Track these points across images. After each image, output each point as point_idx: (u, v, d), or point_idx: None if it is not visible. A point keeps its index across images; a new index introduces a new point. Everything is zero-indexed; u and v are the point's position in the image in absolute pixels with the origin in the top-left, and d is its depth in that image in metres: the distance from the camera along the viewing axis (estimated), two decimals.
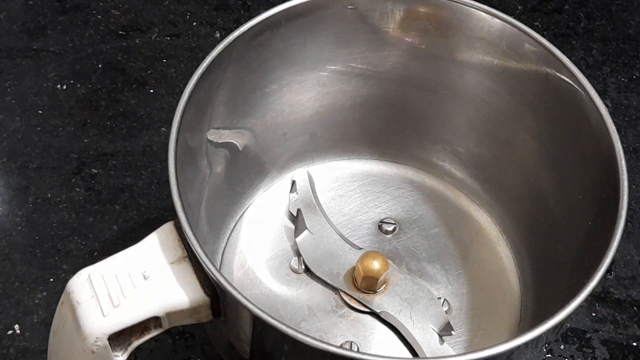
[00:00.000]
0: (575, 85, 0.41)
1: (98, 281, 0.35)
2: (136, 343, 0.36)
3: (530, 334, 0.32)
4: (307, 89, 0.48)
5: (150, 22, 0.64)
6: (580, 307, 0.33)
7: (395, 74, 0.48)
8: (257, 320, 0.33)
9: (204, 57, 0.41)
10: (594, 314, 0.50)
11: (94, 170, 0.55)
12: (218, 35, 0.63)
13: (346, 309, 0.45)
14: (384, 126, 0.51)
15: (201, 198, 0.43)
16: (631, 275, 0.52)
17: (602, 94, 0.41)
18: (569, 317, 0.33)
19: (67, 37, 0.62)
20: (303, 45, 0.46)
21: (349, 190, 0.51)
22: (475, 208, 0.51)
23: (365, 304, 0.45)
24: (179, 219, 0.35)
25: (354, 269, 0.45)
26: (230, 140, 0.46)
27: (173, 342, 0.47)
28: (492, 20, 0.44)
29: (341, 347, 0.42)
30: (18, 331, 0.47)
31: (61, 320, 0.36)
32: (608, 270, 0.38)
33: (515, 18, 0.43)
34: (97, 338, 0.34)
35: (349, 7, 0.45)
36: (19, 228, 0.52)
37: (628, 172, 0.38)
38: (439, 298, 0.45)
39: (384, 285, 0.45)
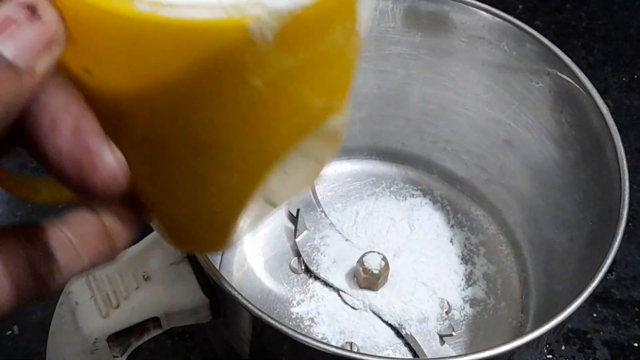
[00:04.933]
0: (576, 85, 0.41)
1: (97, 282, 0.35)
2: (135, 344, 0.36)
3: (531, 335, 0.32)
4: None
5: None
6: (581, 307, 0.33)
7: (396, 73, 0.48)
8: (256, 321, 0.33)
9: None
10: (595, 315, 0.50)
11: None
12: None
13: (346, 308, 0.45)
14: (384, 126, 0.51)
15: None
16: (632, 275, 0.52)
17: (604, 94, 0.41)
18: (570, 318, 0.33)
19: None
20: None
21: (349, 190, 0.51)
22: (476, 208, 0.50)
23: (366, 303, 0.44)
24: None
25: (354, 268, 0.45)
26: None
27: (172, 343, 0.47)
28: (492, 20, 0.44)
29: (341, 347, 0.42)
30: (17, 332, 0.47)
31: (60, 321, 0.36)
32: (609, 271, 0.38)
33: (516, 17, 0.43)
34: (96, 339, 0.34)
35: None
36: None
37: (629, 172, 0.38)
38: (439, 298, 0.45)
39: (384, 285, 0.45)
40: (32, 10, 0.17)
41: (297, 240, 0.47)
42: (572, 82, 0.41)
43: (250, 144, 0.19)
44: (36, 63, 0.17)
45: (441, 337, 0.43)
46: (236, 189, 0.21)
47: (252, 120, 0.19)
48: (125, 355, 0.36)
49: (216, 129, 0.19)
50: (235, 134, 0.19)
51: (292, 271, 0.46)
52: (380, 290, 0.45)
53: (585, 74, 0.41)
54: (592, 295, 0.34)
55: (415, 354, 0.43)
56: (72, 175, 0.18)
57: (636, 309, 0.50)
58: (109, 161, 0.18)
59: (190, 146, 0.19)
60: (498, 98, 0.46)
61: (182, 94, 0.18)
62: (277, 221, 0.49)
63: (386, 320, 0.44)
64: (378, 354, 0.43)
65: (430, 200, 0.51)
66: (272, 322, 0.32)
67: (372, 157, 0.53)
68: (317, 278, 0.46)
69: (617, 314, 0.50)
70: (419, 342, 0.43)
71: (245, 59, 0.17)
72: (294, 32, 0.17)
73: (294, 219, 0.48)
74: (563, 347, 0.48)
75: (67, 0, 0.17)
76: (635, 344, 0.49)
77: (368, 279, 0.44)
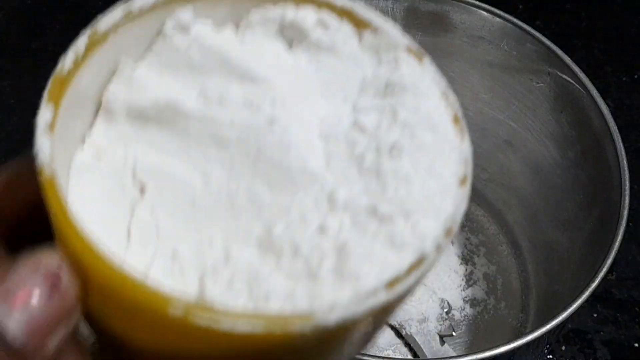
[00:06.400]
0: (576, 85, 0.41)
1: None
2: None
3: (532, 335, 0.32)
4: None
5: None
6: (581, 307, 0.33)
7: None
8: None
9: None
10: (595, 315, 0.50)
11: None
12: None
13: None
14: None
15: None
16: (633, 275, 0.52)
17: (604, 94, 0.41)
18: (570, 318, 0.33)
19: (66, 36, 0.62)
20: None
21: None
22: (476, 208, 0.50)
23: None
24: None
25: None
26: None
27: None
28: (493, 19, 0.44)
29: None
30: None
31: None
32: (610, 271, 0.38)
33: (516, 17, 0.43)
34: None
35: None
36: None
37: (630, 172, 0.37)
38: (439, 298, 0.45)
39: None
40: (54, 283, 0.15)
41: None
42: (572, 82, 0.41)
43: None
44: (49, 341, 0.15)
45: (441, 337, 0.43)
46: None
47: None
48: None
49: None
50: None
51: None
52: None
53: (585, 74, 0.41)
54: (593, 295, 0.34)
55: (415, 354, 0.43)
56: None
57: (637, 309, 0.50)
58: None
59: None
60: (498, 98, 0.46)
61: None
62: None
63: None
64: (378, 354, 0.42)
65: None
66: None
67: None
68: None
69: (618, 314, 0.50)
70: (419, 342, 0.43)
71: (270, 356, 0.16)
72: (330, 338, 0.16)
73: None
74: (563, 347, 0.48)
75: (93, 271, 0.16)
76: (636, 344, 0.48)
77: None
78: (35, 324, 0.15)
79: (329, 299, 0.16)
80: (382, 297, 0.15)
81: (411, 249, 0.16)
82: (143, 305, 0.15)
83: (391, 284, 0.16)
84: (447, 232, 0.17)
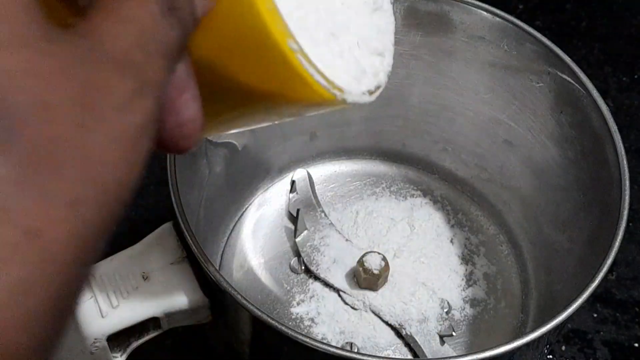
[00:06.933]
0: (576, 85, 0.41)
1: (97, 282, 0.35)
2: (135, 344, 0.36)
3: (532, 335, 0.32)
4: None
5: None
6: (581, 307, 0.33)
7: (396, 73, 0.48)
8: (256, 321, 0.33)
9: None
10: (595, 315, 0.50)
11: None
12: None
13: (346, 308, 0.45)
14: (384, 126, 0.51)
15: (201, 198, 0.43)
16: (633, 275, 0.52)
17: (604, 94, 0.41)
18: (570, 318, 0.33)
19: None
20: None
21: (349, 190, 0.51)
22: (476, 208, 0.50)
23: (366, 303, 0.44)
24: (177, 219, 0.35)
25: (354, 268, 0.45)
26: (230, 140, 0.46)
27: (172, 343, 0.47)
28: (493, 19, 0.44)
29: (341, 347, 0.42)
30: None
31: None
32: (610, 271, 0.38)
33: (516, 17, 0.43)
34: (95, 339, 0.34)
35: None
36: None
37: (630, 172, 0.38)
38: (439, 298, 0.45)
39: (384, 285, 0.45)
40: None
41: (297, 240, 0.47)
42: (572, 82, 0.41)
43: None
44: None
45: (441, 337, 0.43)
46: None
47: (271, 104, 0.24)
48: (125, 355, 0.36)
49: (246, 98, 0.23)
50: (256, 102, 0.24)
51: (292, 271, 0.46)
52: (380, 291, 0.45)
53: (585, 74, 0.41)
54: (593, 295, 0.34)
55: (415, 355, 0.43)
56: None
57: (637, 309, 0.50)
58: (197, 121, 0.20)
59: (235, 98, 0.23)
60: (498, 98, 0.46)
61: (252, 90, 0.22)
62: (277, 221, 0.49)
63: (386, 320, 0.44)
64: (378, 354, 0.43)
65: (430, 200, 0.50)
66: (272, 322, 0.32)
67: (372, 157, 0.53)
68: (317, 278, 0.46)
69: (618, 314, 0.50)
70: (419, 343, 0.43)
71: (308, 105, 0.22)
72: (335, 105, 0.23)
73: (294, 219, 0.48)
74: (563, 347, 0.48)
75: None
76: (636, 344, 0.49)
77: (368, 279, 0.44)
78: None
79: (352, 88, 0.23)
80: (371, 98, 0.24)
81: (378, 78, 0.25)
82: (268, 35, 0.19)
83: (372, 92, 0.24)
84: (389, 74, 0.25)
